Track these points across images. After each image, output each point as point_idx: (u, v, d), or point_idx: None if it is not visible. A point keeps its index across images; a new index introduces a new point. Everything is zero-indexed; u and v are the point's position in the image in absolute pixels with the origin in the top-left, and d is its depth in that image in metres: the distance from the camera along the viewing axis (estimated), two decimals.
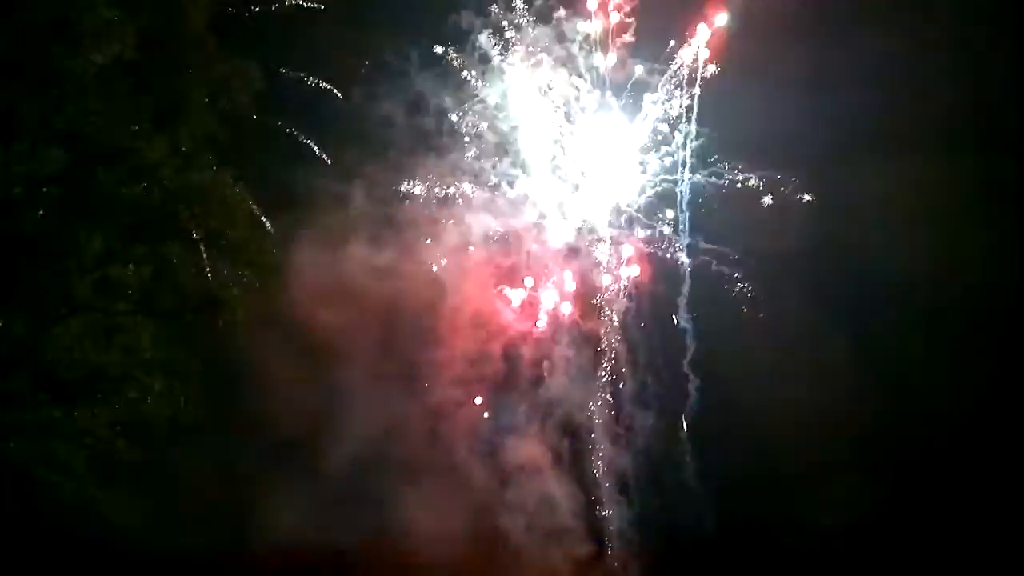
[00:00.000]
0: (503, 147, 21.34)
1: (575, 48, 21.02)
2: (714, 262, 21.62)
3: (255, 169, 19.53)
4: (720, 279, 21.95)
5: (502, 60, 20.89)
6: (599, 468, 22.60)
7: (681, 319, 21.90)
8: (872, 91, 21.13)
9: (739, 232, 21.77)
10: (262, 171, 19.65)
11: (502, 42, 20.92)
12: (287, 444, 20.85)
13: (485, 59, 20.81)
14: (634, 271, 22.36)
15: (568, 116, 21.25)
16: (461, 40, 20.80)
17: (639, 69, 21.32)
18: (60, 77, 15.51)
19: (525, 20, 20.71)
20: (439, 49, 20.75)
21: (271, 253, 20.50)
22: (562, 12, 20.88)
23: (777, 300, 21.65)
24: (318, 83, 20.14)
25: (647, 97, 21.52)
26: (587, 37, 21.09)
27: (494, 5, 20.67)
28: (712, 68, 21.12)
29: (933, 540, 21.26)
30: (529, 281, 22.10)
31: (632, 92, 21.71)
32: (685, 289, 21.86)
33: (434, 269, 21.24)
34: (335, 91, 20.18)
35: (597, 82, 21.41)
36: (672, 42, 21.12)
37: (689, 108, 21.21)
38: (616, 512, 22.64)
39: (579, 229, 22.18)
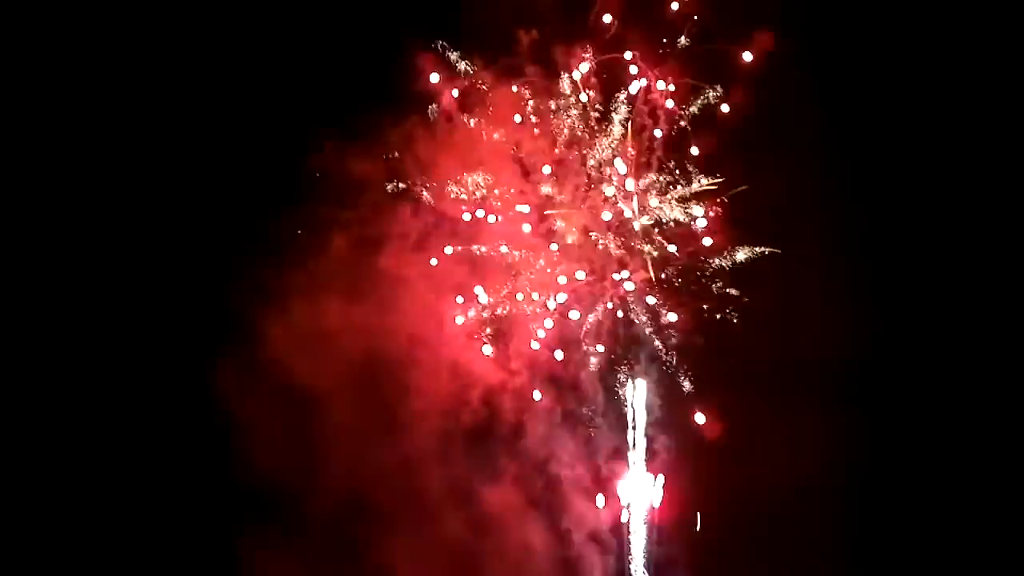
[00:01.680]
0: (478, 202, 21.88)
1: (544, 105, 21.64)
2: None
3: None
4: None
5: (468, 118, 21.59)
6: (579, 520, 22.42)
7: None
8: None
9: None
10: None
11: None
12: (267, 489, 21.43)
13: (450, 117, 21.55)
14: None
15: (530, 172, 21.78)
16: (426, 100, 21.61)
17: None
18: None
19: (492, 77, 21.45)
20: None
21: None
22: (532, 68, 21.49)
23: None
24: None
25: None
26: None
27: (461, 64, 21.51)
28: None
29: None
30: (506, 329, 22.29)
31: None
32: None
33: (410, 322, 21.59)
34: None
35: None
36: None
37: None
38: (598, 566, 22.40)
39: (559, 282, 22.41)
